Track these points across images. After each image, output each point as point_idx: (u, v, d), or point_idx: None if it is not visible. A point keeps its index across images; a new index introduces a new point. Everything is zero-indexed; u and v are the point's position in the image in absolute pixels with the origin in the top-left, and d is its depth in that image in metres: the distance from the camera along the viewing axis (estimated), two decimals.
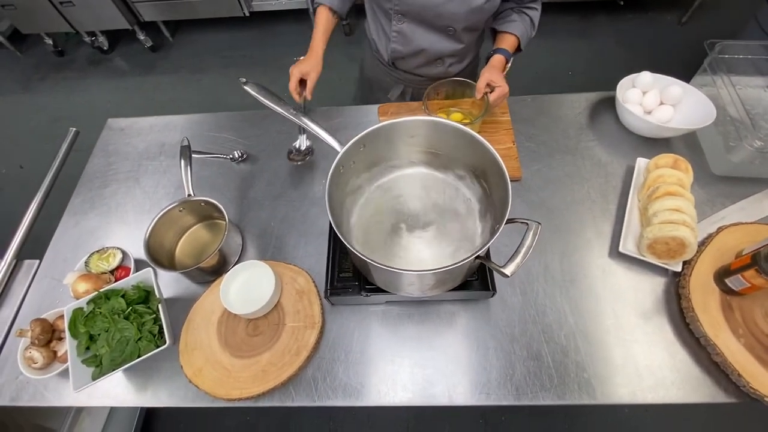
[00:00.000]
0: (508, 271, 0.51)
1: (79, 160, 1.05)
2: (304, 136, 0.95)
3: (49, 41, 2.69)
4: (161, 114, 1.10)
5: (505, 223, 0.55)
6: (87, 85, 2.64)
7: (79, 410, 1.13)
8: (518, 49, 0.97)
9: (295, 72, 0.92)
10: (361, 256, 0.53)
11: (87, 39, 2.67)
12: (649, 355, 0.70)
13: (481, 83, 0.87)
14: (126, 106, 2.46)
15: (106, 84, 2.62)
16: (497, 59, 0.91)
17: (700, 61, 0.96)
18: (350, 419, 1.42)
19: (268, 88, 0.71)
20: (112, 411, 1.25)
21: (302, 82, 0.93)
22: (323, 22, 0.96)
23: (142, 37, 2.63)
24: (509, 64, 0.97)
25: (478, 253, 0.52)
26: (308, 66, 0.93)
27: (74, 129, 1.05)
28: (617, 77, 0.96)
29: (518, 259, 0.52)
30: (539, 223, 0.55)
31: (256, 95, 0.69)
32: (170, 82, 2.58)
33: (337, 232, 0.55)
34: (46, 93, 2.62)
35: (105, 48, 2.72)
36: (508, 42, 0.94)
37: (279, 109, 0.68)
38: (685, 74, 0.97)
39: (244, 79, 0.69)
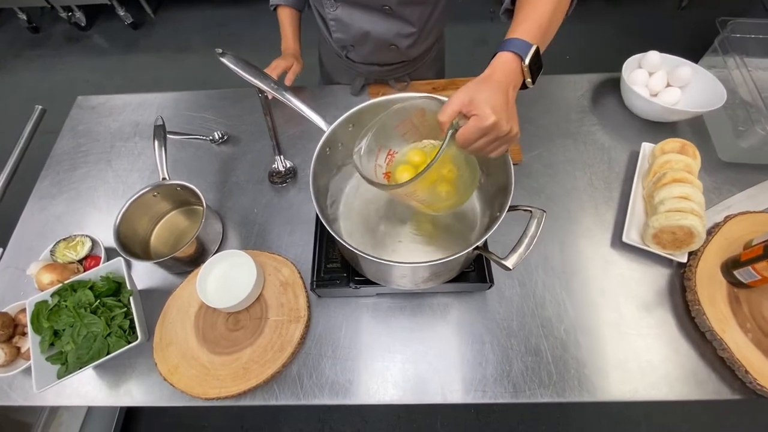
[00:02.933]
0: (509, 263, 0.47)
1: (51, 142, 0.97)
2: (281, 157, 0.88)
3: (23, 16, 2.54)
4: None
5: (507, 211, 0.50)
6: (64, 63, 2.51)
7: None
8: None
9: (281, 63, 0.87)
10: (350, 247, 0.48)
11: (63, 14, 2.53)
12: (652, 350, 0.67)
13: (449, 107, 0.45)
14: (105, 85, 2.35)
15: (84, 62, 2.49)
16: (501, 62, 0.48)
17: (702, 46, 0.91)
18: (342, 407, 1.39)
19: (247, 60, 0.64)
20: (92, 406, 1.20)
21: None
22: (289, 21, 0.92)
23: (122, 12, 2.50)
24: (528, 70, 0.49)
25: (476, 245, 0.48)
26: (291, 61, 0.89)
27: (40, 107, 0.97)
28: (615, 62, 0.91)
29: (521, 250, 0.47)
30: (544, 211, 0.50)
31: (234, 67, 0.62)
32: (152, 61, 2.46)
33: (322, 220, 0.49)
34: (21, 71, 2.48)
35: (82, 24, 2.58)
36: (526, 26, 0.50)
37: (259, 83, 0.61)
38: (688, 58, 0.92)
39: (221, 50, 0.63)
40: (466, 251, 0.48)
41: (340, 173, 0.68)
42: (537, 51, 0.48)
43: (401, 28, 0.80)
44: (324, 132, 0.59)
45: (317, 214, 0.53)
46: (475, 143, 0.46)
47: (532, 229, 0.49)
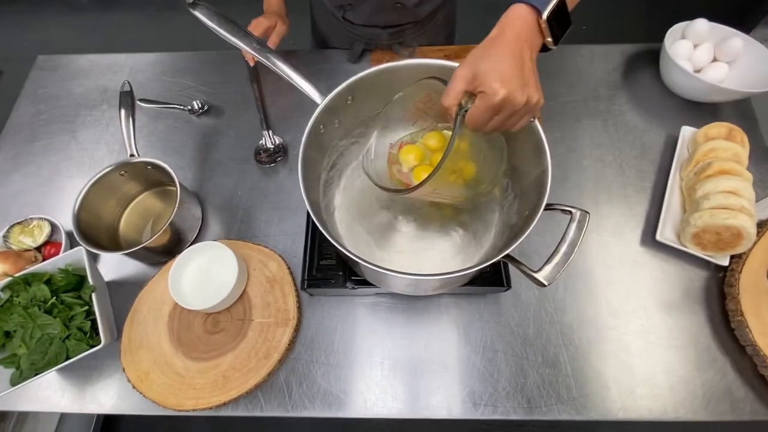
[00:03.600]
0: (543, 277, 0.38)
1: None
2: (269, 132, 0.76)
3: None
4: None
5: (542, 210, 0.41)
6: (40, 21, 2.30)
7: None
8: None
9: (263, 21, 0.74)
10: (346, 252, 0.39)
11: None
12: (684, 364, 0.60)
13: (451, 88, 0.38)
14: (84, 46, 2.16)
15: (61, 20, 2.29)
16: (512, 17, 0.38)
17: (741, 9, 0.78)
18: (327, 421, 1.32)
19: (224, 14, 0.53)
20: None
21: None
22: None
23: None
24: (548, 27, 0.39)
25: (506, 253, 0.38)
26: (274, 20, 0.75)
27: None
28: (638, 33, 0.79)
29: (557, 260, 0.38)
30: (587, 213, 0.41)
31: (208, 22, 0.51)
32: (135, 20, 2.27)
33: (315, 220, 0.40)
34: None
35: None
36: None
37: (239, 42, 0.50)
38: (730, 25, 0.79)
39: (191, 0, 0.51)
40: (490, 262, 0.39)
41: (336, 155, 0.58)
42: (562, 3, 0.38)
43: None
44: (317, 105, 0.49)
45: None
46: (490, 124, 0.38)
47: (572, 234, 0.40)
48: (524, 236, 0.39)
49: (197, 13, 0.51)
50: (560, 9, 0.38)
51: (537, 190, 0.43)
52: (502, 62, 0.36)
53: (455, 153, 0.38)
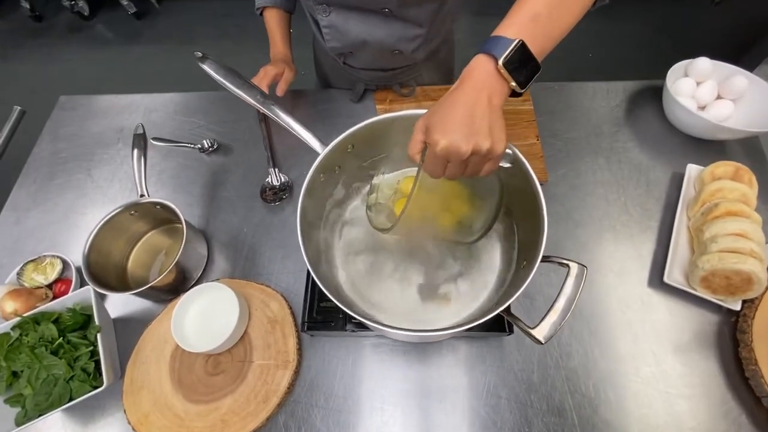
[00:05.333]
0: (540, 334, 0.37)
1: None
2: (275, 169, 0.79)
3: (26, 5, 2.47)
4: (144, 87, 0.93)
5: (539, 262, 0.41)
6: (67, 54, 2.43)
7: None
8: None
9: (271, 70, 0.76)
10: (347, 311, 0.40)
11: (66, 3, 2.45)
12: (696, 415, 0.57)
13: (412, 140, 0.42)
14: (108, 78, 2.27)
15: (87, 53, 2.42)
16: (472, 67, 0.39)
17: (741, 46, 0.79)
18: None
19: (231, 67, 0.55)
20: None
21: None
22: (277, 23, 0.82)
23: (125, 2, 2.41)
24: (507, 72, 0.38)
25: (498, 311, 0.38)
26: (282, 67, 0.78)
27: (18, 108, 0.89)
28: (643, 61, 0.80)
29: (555, 319, 0.38)
30: (585, 267, 0.40)
31: (215, 75, 0.53)
32: (156, 53, 2.38)
33: (314, 277, 0.40)
34: (23, 62, 2.42)
35: (86, 13, 2.50)
36: (512, 19, 0.39)
37: (243, 95, 0.52)
38: (728, 61, 0.79)
39: (200, 54, 0.54)
40: (486, 318, 0.38)
41: (336, 199, 0.59)
42: (522, 47, 0.38)
43: (405, 31, 0.69)
44: (318, 154, 0.50)
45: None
46: (447, 171, 0.40)
47: (569, 290, 0.39)
48: (520, 292, 0.39)
49: (206, 67, 0.54)
50: (521, 52, 0.38)
51: (534, 240, 0.43)
52: (448, 114, 0.37)
53: (428, 194, 0.41)
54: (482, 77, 0.38)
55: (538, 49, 0.39)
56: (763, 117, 0.73)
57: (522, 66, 0.38)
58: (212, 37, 2.42)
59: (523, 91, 0.39)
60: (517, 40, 0.37)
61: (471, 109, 0.37)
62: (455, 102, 0.38)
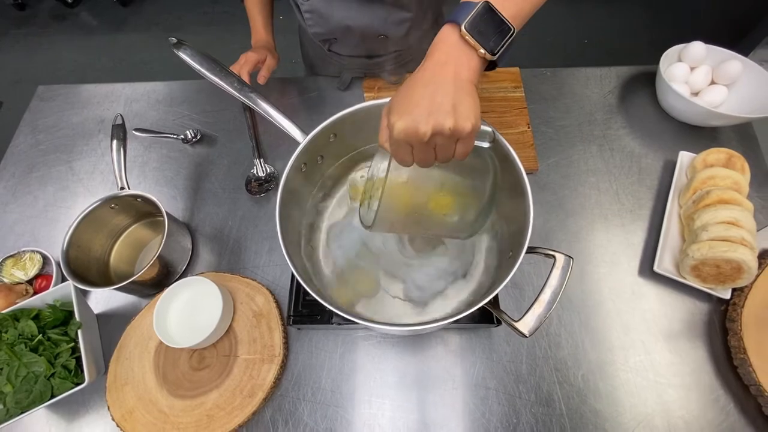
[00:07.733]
0: (524, 328, 0.36)
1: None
2: (260, 160, 0.76)
3: None
4: (131, 76, 0.91)
5: (524, 254, 0.40)
6: (51, 42, 2.37)
7: None
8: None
9: (252, 56, 0.73)
10: (329, 307, 0.38)
11: None
12: (685, 403, 0.57)
13: (382, 122, 0.38)
14: (93, 66, 2.22)
15: (71, 42, 2.35)
16: (437, 40, 0.37)
17: (738, 31, 0.77)
18: None
19: (208, 54, 0.53)
20: None
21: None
22: (258, 9, 0.78)
23: None
24: (473, 38, 0.35)
25: (482, 304, 0.37)
26: (264, 54, 0.75)
27: None
28: (639, 48, 0.78)
29: (540, 312, 0.37)
30: (571, 258, 0.39)
31: (191, 62, 0.51)
32: (142, 40, 2.32)
33: (293, 270, 0.39)
34: (6, 51, 2.35)
35: (69, 0, 2.43)
36: None
37: (220, 82, 0.50)
38: (724, 45, 0.77)
39: (175, 39, 0.51)
40: (470, 311, 0.37)
41: (320, 194, 0.57)
42: (488, 9, 0.34)
43: (391, 14, 0.67)
44: (299, 144, 0.48)
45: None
46: (415, 157, 0.36)
47: (555, 281, 0.38)
48: (504, 284, 0.38)
49: (181, 54, 0.52)
50: (485, 15, 0.35)
51: (520, 230, 0.42)
52: (405, 95, 0.34)
53: (405, 188, 0.40)
54: (446, 50, 0.35)
55: (513, 11, 0.36)
56: (756, 102, 0.71)
57: (489, 30, 0.35)
58: (200, 24, 2.36)
59: (496, 58, 0.35)
60: (480, 3, 0.34)
61: (431, 87, 0.34)
62: (415, 81, 0.35)
